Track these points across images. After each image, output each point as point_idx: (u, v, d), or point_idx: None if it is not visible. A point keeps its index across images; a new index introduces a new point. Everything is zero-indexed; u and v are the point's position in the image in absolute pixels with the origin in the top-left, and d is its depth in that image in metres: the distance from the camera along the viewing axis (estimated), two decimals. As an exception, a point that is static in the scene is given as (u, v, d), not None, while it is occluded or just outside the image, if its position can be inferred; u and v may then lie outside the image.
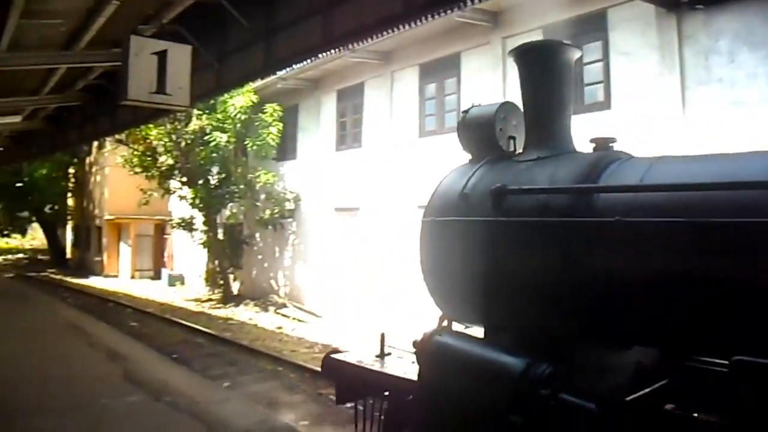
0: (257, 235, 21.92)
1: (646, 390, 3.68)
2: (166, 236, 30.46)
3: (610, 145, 4.85)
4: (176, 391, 7.59)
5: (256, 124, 19.40)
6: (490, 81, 13.37)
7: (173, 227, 25.16)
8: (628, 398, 3.73)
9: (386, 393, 5.35)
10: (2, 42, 10.69)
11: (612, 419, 3.77)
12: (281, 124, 19.42)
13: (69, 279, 30.28)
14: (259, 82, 13.91)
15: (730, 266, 3.66)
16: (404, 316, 13.38)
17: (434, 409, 4.74)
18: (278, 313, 18.98)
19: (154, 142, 21.76)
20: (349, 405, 5.86)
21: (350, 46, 8.99)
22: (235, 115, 19.36)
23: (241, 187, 20.78)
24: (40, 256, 40.47)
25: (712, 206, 3.77)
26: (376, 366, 5.54)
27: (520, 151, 5.26)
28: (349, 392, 5.78)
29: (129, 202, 27.22)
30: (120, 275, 31.10)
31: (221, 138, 19.83)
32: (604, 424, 3.74)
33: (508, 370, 4.25)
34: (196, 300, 22.44)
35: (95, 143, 29.53)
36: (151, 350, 10.50)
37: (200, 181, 21.33)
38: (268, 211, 20.18)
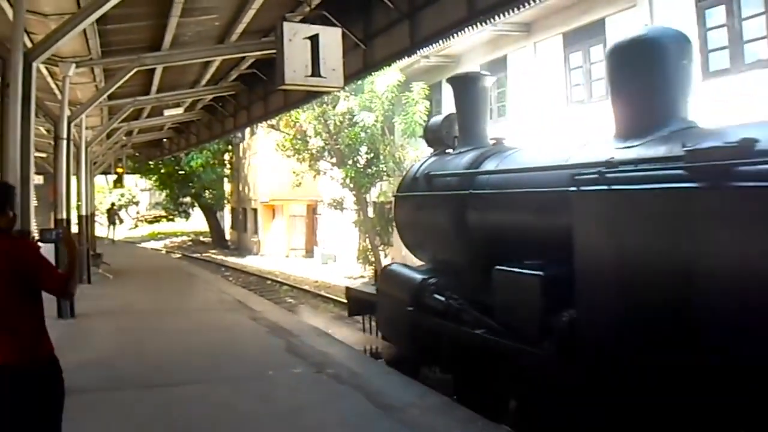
0: (406, 212, 22.12)
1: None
2: (317, 216, 31.47)
3: (502, 141, 7.82)
4: (337, 363, 7.87)
5: (404, 102, 19.57)
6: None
7: (327, 207, 25.93)
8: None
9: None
10: (165, 40, 11.45)
11: (453, 313, 6.74)
12: (428, 102, 19.48)
13: (229, 259, 31.95)
14: (403, 61, 14.02)
15: (531, 219, 6.16)
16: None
17: (381, 306, 8.51)
18: (428, 289, 19.13)
19: (304, 126, 22.46)
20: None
21: (494, 19, 8.86)
22: (383, 95, 19.62)
23: (390, 165, 21.05)
24: (202, 238, 42.90)
25: (523, 182, 6.37)
26: (368, 290, 9.38)
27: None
28: (355, 308, 9.77)
29: (282, 184, 28.35)
30: (275, 254, 32.48)
31: (369, 118, 20.16)
32: (446, 315, 6.85)
33: (413, 281, 7.60)
34: (348, 277, 23.09)
35: (248, 130, 30.87)
36: (309, 325, 10.94)
37: (349, 162, 21.79)
38: (416, 189, 20.30)
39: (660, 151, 4.90)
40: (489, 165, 7.15)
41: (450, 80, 8.58)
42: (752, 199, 3.97)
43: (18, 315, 3.57)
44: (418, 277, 7.60)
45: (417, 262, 8.73)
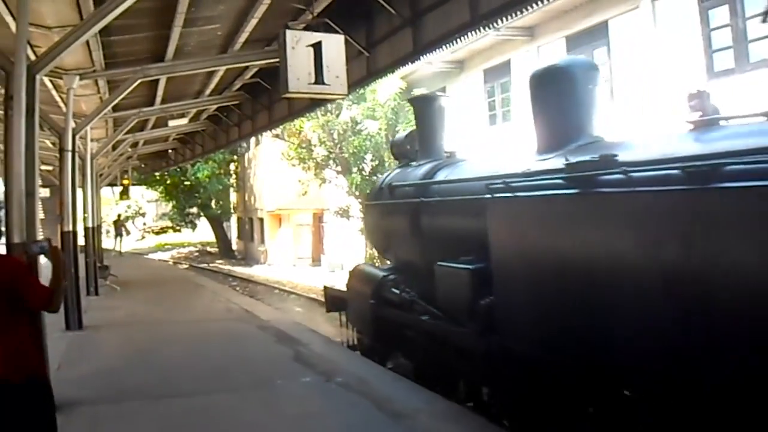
0: (412, 219, 22.10)
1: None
2: (324, 225, 31.45)
3: (455, 154, 8.96)
4: (345, 372, 7.83)
5: (407, 109, 19.56)
6: (642, 46, 12.78)
7: (333, 215, 25.91)
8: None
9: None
10: (168, 51, 11.45)
11: (406, 304, 7.94)
12: (431, 108, 19.43)
13: (236, 268, 31.96)
14: (407, 68, 14.02)
15: (464, 222, 7.12)
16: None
17: (350, 301, 9.71)
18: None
19: (309, 135, 22.47)
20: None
21: (497, 24, 8.83)
22: (385, 103, 19.62)
23: (395, 172, 21.00)
24: (209, 249, 42.91)
25: (459, 191, 7.39)
26: (343, 288, 10.24)
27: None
28: (332, 305, 10.85)
29: (288, 193, 28.36)
30: (282, 263, 32.44)
31: (372, 126, 20.17)
32: (401, 306, 8.01)
33: (375, 278, 8.78)
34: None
35: (253, 139, 30.91)
36: (317, 333, 10.89)
37: (354, 170, 21.76)
38: (421, 195, 20.30)
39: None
40: (441, 175, 8.22)
41: (411, 100, 10.09)
42: (609, 203, 4.94)
43: (5, 330, 3.56)
44: (380, 274, 8.88)
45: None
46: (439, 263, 7.17)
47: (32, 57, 8.47)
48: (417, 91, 19.46)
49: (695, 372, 4.21)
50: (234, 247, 41.77)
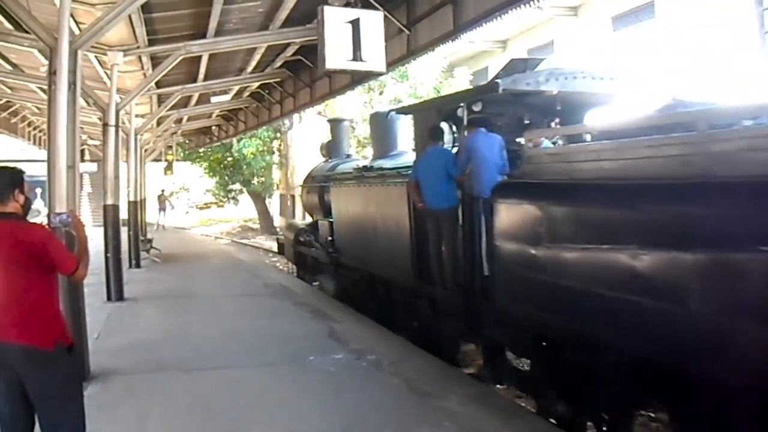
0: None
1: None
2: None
3: (351, 155, 14.85)
4: (378, 350, 7.87)
5: (446, 88, 19.41)
6: (689, 23, 12.45)
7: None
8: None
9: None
10: (210, 27, 11.51)
11: (308, 243, 14.24)
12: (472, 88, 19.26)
13: (276, 245, 32.14)
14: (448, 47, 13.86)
15: (330, 198, 12.78)
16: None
17: (285, 244, 16.46)
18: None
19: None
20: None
21: (537, 1, 8.64)
22: (428, 82, 19.50)
23: (434, 150, 20.87)
24: (251, 225, 43.25)
25: (331, 179, 12.93)
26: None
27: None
28: (280, 249, 17.26)
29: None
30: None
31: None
32: (306, 245, 14.34)
33: (297, 228, 15.47)
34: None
35: (296, 117, 30.97)
36: (352, 311, 10.94)
37: (396, 148, 21.68)
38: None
39: (379, 165, 10.66)
40: (337, 170, 12.95)
41: (328, 121, 16.20)
42: (362, 190, 10.40)
43: (31, 297, 3.65)
44: (300, 225, 15.18)
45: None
46: (319, 219, 13.51)
47: (77, 33, 8.59)
48: (458, 70, 19.40)
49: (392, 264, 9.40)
50: (276, 223, 42.02)
